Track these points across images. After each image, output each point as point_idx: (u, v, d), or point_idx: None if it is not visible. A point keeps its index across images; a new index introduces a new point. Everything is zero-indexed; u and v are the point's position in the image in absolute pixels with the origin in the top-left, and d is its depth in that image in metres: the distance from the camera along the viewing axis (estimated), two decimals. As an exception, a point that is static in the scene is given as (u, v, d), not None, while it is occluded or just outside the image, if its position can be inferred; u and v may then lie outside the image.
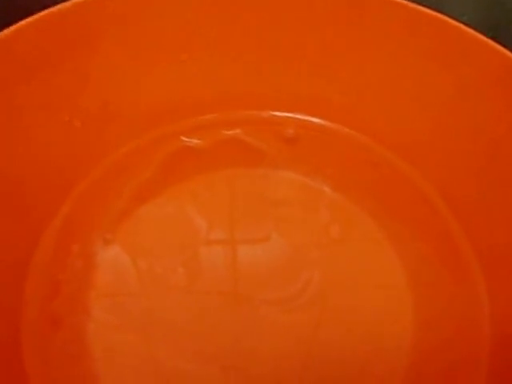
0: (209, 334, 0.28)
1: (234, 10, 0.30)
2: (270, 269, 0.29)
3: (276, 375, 0.27)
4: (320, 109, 0.32)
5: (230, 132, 0.32)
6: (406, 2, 0.28)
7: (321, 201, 0.31)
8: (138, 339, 0.28)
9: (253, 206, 0.31)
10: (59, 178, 0.29)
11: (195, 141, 0.31)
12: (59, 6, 0.27)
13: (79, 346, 0.28)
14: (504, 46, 0.26)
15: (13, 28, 0.26)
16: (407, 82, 0.30)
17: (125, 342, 0.28)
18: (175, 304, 0.29)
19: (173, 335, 0.28)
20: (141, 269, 0.29)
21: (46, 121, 0.28)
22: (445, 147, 0.30)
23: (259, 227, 0.30)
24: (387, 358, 0.28)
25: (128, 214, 0.30)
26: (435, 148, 0.30)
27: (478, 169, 0.29)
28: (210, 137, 0.32)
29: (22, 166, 0.28)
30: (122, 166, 0.31)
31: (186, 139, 0.32)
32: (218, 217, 0.31)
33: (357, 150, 0.32)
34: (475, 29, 0.27)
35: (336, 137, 0.32)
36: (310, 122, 0.32)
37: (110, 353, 0.28)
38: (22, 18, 0.26)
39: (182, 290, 0.29)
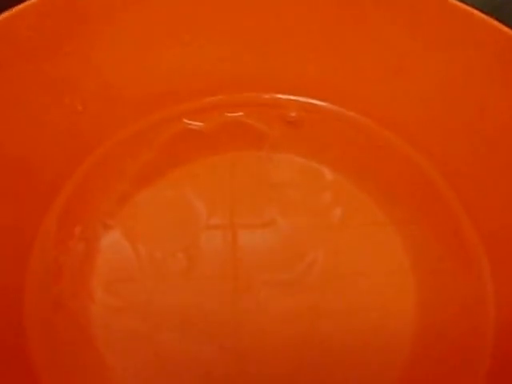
0: (209, 317, 0.28)
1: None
2: (270, 253, 0.30)
3: (276, 357, 0.28)
4: (323, 92, 0.31)
5: (232, 114, 0.32)
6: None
7: (323, 183, 0.31)
8: (139, 322, 0.28)
9: (254, 190, 0.31)
10: (61, 160, 0.29)
11: (198, 123, 0.31)
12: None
13: (82, 329, 0.28)
14: (508, 26, 0.26)
15: (14, 10, 0.26)
16: (410, 65, 0.29)
17: (126, 325, 0.28)
18: (175, 288, 0.29)
19: (173, 318, 0.28)
20: (141, 254, 0.29)
21: (46, 103, 0.28)
22: (448, 129, 0.30)
23: (260, 211, 0.30)
24: (390, 340, 0.28)
25: (129, 197, 0.31)
26: (438, 130, 0.30)
27: (481, 151, 0.29)
28: (213, 119, 0.31)
29: (22, 148, 0.28)
30: (124, 148, 0.31)
31: (189, 122, 0.31)
32: (218, 201, 0.31)
33: (359, 132, 0.31)
34: (479, 9, 0.26)
35: (339, 120, 0.31)
36: (313, 104, 0.32)
37: (113, 335, 0.28)
38: (23, 0, 0.26)
39: (182, 275, 0.29)
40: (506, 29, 0.26)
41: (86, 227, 0.30)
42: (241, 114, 0.32)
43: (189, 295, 0.29)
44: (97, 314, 0.28)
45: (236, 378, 0.27)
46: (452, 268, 0.29)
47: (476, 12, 0.26)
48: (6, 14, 0.26)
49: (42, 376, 0.27)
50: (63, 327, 0.28)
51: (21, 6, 0.26)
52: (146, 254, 0.29)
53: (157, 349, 0.28)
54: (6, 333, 0.27)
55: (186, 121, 0.31)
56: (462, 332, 0.28)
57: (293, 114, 0.31)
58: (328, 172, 0.31)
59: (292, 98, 0.32)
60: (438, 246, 0.30)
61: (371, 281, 0.29)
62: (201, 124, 0.31)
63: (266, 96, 0.32)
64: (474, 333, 0.28)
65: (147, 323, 0.28)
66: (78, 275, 0.29)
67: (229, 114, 0.32)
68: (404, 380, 0.27)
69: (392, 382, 0.27)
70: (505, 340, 0.27)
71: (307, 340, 0.28)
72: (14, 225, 0.28)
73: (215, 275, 0.29)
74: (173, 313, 0.28)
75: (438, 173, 0.30)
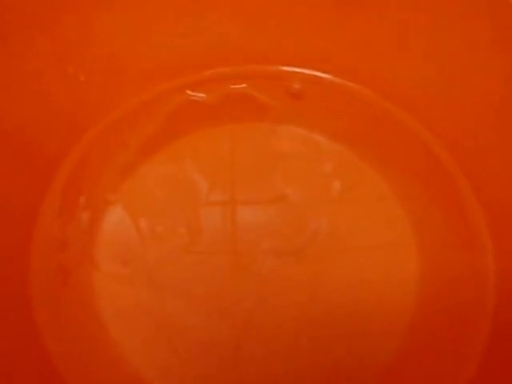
0: (212, 288, 0.29)
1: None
2: (271, 225, 0.30)
3: (278, 326, 0.28)
4: (327, 64, 0.31)
5: (236, 86, 0.32)
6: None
7: (326, 155, 0.31)
8: (143, 292, 0.29)
9: (256, 161, 0.31)
10: (64, 131, 0.30)
11: (201, 95, 0.31)
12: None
13: (86, 299, 0.28)
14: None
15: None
16: (414, 38, 0.29)
17: (131, 295, 0.29)
18: (178, 262, 0.29)
19: (177, 289, 0.29)
20: (142, 228, 0.30)
21: (49, 72, 0.28)
22: (451, 102, 0.29)
23: (262, 184, 0.30)
24: (391, 310, 0.28)
25: (132, 169, 0.31)
26: (441, 103, 0.30)
27: (485, 123, 0.29)
28: (216, 91, 0.31)
29: (26, 119, 0.28)
30: (127, 119, 0.31)
31: (192, 93, 0.31)
32: (219, 176, 0.31)
33: (363, 105, 0.31)
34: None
35: (342, 92, 0.31)
36: (317, 76, 0.32)
37: (117, 305, 0.28)
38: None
39: (183, 250, 0.29)
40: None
41: (90, 197, 0.30)
42: (244, 85, 0.32)
43: (191, 268, 0.29)
44: (101, 284, 0.29)
45: (239, 347, 0.28)
46: (455, 241, 0.29)
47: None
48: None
49: (47, 345, 0.27)
50: (68, 297, 0.28)
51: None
52: (147, 228, 0.30)
53: (161, 319, 0.28)
54: (11, 302, 0.27)
55: (189, 92, 0.31)
56: (462, 302, 0.28)
57: (296, 86, 0.31)
58: (332, 144, 0.31)
59: (296, 70, 0.32)
60: (440, 219, 0.30)
61: (374, 249, 0.29)
62: (204, 95, 0.31)
63: (270, 68, 0.32)
64: (474, 303, 0.28)
65: (151, 294, 0.29)
66: (82, 245, 0.29)
67: (232, 86, 0.32)
68: (404, 349, 0.28)
69: (392, 350, 0.28)
70: (505, 310, 0.27)
71: (309, 309, 0.28)
72: (19, 195, 0.28)
73: (217, 251, 0.29)
74: (176, 284, 0.29)
75: (442, 146, 0.30)
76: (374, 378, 0.28)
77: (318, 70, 0.32)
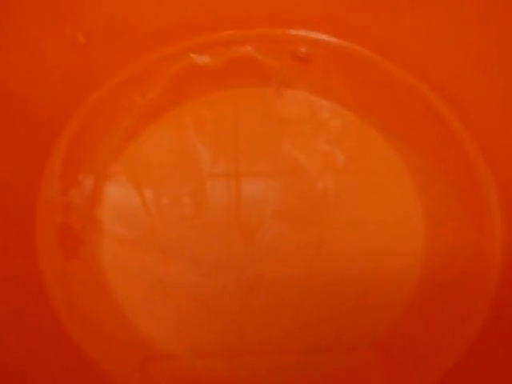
0: (216, 254, 0.29)
1: None
2: (275, 196, 0.30)
3: (283, 290, 0.28)
4: (334, 27, 0.31)
5: (241, 49, 0.31)
6: None
7: (332, 121, 0.30)
8: (149, 257, 0.29)
9: (260, 130, 0.30)
10: (66, 94, 0.29)
11: (205, 58, 0.31)
12: None
13: (93, 263, 0.29)
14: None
15: None
16: (425, 1, 0.28)
17: (137, 260, 0.29)
18: (183, 231, 0.29)
19: (183, 255, 0.29)
20: (146, 198, 0.29)
21: (47, 33, 0.27)
22: (463, 67, 0.29)
23: (266, 155, 0.30)
24: (395, 279, 0.29)
25: (134, 136, 0.30)
26: (453, 68, 0.29)
27: (499, 90, 0.28)
28: (221, 54, 0.31)
29: (24, 82, 0.28)
30: (130, 83, 0.30)
31: (196, 56, 0.31)
32: (223, 146, 0.30)
33: (371, 69, 0.31)
34: None
35: (349, 56, 0.31)
36: (324, 40, 0.31)
37: (124, 269, 0.29)
38: None
39: (188, 220, 0.29)
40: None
41: (92, 163, 0.30)
42: (249, 49, 0.31)
43: (197, 236, 0.29)
44: (107, 248, 0.29)
45: (243, 311, 0.28)
46: (463, 216, 0.29)
47: None
48: None
49: (56, 310, 0.28)
50: (74, 262, 0.29)
51: None
52: (151, 197, 0.29)
53: (166, 282, 0.28)
54: (19, 269, 0.28)
55: (192, 56, 0.31)
56: (466, 275, 0.28)
57: (303, 50, 0.31)
58: (338, 109, 0.31)
59: (302, 33, 0.31)
60: (450, 192, 0.29)
61: (381, 216, 0.29)
62: (208, 59, 0.31)
63: (276, 31, 0.31)
64: (478, 276, 0.28)
65: (157, 258, 0.29)
66: (86, 209, 0.29)
67: (237, 49, 0.31)
68: (405, 320, 0.28)
69: (393, 321, 0.28)
70: (508, 284, 0.28)
71: (311, 278, 0.28)
72: (21, 160, 0.28)
73: (222, 222, 0.29)
74: (182, 249, 0.29)
75: (453, 112, 0.30)
76: (374, 348, 0.28)
77: (324, 33, 0.31)
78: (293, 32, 0.31)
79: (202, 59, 0.31)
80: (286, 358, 0.28)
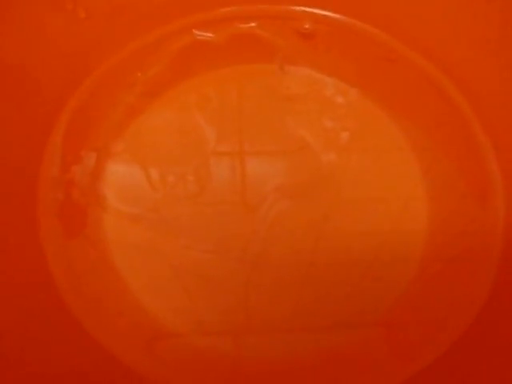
0: (220, 232, 0.29)
1: None
2: (279, 173, 0.30)
3: (286, 267, 0.29)
4: (338, 3, 0.30)
5: (244, 26, 0.31)
6: None
7: (336, 98, 0.30)
8: (153, 233, 0.29)
9: (264, 107, 0.30)
10: (68, 70, 0.29)
11: (208, 34, 0.30)
12: None
13: (97, 239, 0.29)
14: None
15: None
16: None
17: (141, 236, 0.29)
18: (187, 208, 0.29)
19: (187, 231, 0.29)
20: (151, 176, 0.29)
21: (46, 7, 0.27)
22: (469, 46, 0.29)
23: (269, 134, 0.30)
24: (398, 256, 0.29)
25: (137, 112, 0.30)
26: (458, 45, 0.29)
27: (505, 70, 0.28)
28: (224, 30, 0.30)
29: (27, 57, 0.27)
30: (133, 59, 0.30)
31: (199, 33, 0.30)
32: (226, 124, 0.30)
33: (374, 46, 0.30)
34: None
35: (353, 32, 0.30)
36: (328, 16, 0.31)
37: (128, 245, 0.29)
38: None
39: (192, 198, 0.29)
40: None
41: (95, 138, 0.30)
42: (253, 25, 0.31)
43: (201, 213, 0.29)
44: (109, 224, 0.29)
45: (248, 286, 0.28)
46: (467, 194, 0.29)
47: None
48: None
49: (60, 286, 0.28)
50: (78, 238, 0.28)
51: None
52: (155, 174, 0.29)
53: (171, 258, 0.28)
54: (22, 246, 0.27)
55: (196, 32, 0.30)
56: (468, 253, 0.29)
57: (306, 26, 0.30)
58: (342, 85, 0.30)
59: (306, 9, 0.31)
60: (454, 171, 0.30)
61: (385, 193, 0.30)
62: (211, 35, 0.30)
63: (280, 7, 0.31)
64: (480, 255, 0.28)
65: (161, 234, 0.29)
66: (89, 185, 0.29)
67: (240, 26, 0.31)
68: (409, 295, 0.28)
69: (397, 296, 0.28)
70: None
71: (314, 253, 0.29)
72: (23, 136, 0.28)
73: (226, 200, 0.29)
74: (186, 226, 0.29)
75: (458, 90, 0.30)
76: (378, 325, 0.28)
77: (328, 9, 0.31)
78: (297, 8, 0.31)
79: (205, 35, 0.30)
80: (290, 336, 0.28)
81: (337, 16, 0.31)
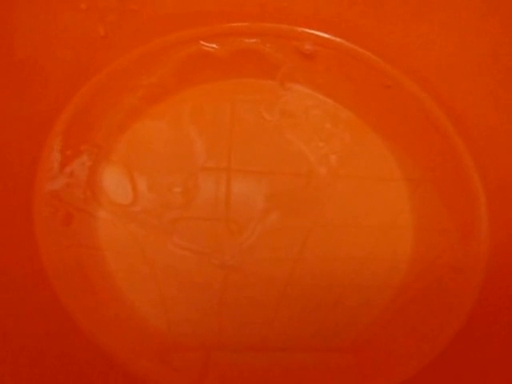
0: (202, 242, 0.29)
1: None
2: (265, 194, 0.30)
3: (265, 288, 0.29)
4: (340, 28, 0.32)
5: (249, 41, 0.32)
6: None
7: (331, 119, 0.31)
8: (141, 232, 0.29)
9: (256, 121, 0.31)
10: (74, 68, 0.30)
11: (214, 45, 0.32)
12: None
13: (88, 236, 0.29)
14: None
15: None
16: (427, 9, 0.29)
17: (130, 233, 0.29)
18: (172, 218, 0.30)
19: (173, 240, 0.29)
20: (138, 184, 0.30)
21: (60, 5, 0.28)
22: (460, 74, 0.30)
23: (257, 150, 0.31)
24: (378, 283, 0.29)
25: (134, 118, 0.31)
26: (450, 74, 0.30)
27: (493, 97, 0.29)
28: (229, 44, 0.32)
29: (35, 51, 0.28)
30: (138, 64, 0.31)
31: (205, 44, 0.32)
32: (217, 140, 0.31)
33: (372, 72, 0.32)
34: None
35: (352, 57, 0.32)
36: (329, 39, 0.32)
37: (118, 243, 0.29)
38: None
39: (177, 210, 0.30)
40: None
41: (94, 137, 0.30)
42: (257, 41, 0.32)
43: (183, 226, 0.30)
44: (101, 222, 0.29)
45: (224, 293, 0.29)
46: (453, 230, 0.30)
47: None
48: None
49: (53, 283, 0.28)
50: (71, 236, 0.29)
51: None
52: (143, 184, 0.30)
53: (153, 261, 0.29)
54: (18, 240, 0.28)
55: (202, 42, 0.32)
56: (448, 284, 0.29)
57: (308, 47, 0.31)
58: (336, 106, 0.31)
59: (308, 31, 0.32)
60: (442, 204, 0.30)
61: (366, 230, 0.30)
62: (216, 46, 0.32)
63: (283, 26, 0.32)
64: (461, 280, 0.29)
65: (148, 234, 0.29)
66: (84, 182, 0.30)
67: (245, 40, 0.32)
68: (385, 319, 0.29)
69: (374, 318, 0.29)
70: (498, 267, 0.29)
71: (295, 273, 0.29)
72: (24, 130, 0.29)
73: (210, 216, 0.30)
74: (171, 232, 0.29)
75: (451, 124, 0.31)
76: (351, 349, 0.28)
77: (330, 33, 0.32)
78: (299, 29, 0.32)
79: (210, 46, 0.31)
80: (262, 355, 0.28)
81: (337, 39, 0.32)
